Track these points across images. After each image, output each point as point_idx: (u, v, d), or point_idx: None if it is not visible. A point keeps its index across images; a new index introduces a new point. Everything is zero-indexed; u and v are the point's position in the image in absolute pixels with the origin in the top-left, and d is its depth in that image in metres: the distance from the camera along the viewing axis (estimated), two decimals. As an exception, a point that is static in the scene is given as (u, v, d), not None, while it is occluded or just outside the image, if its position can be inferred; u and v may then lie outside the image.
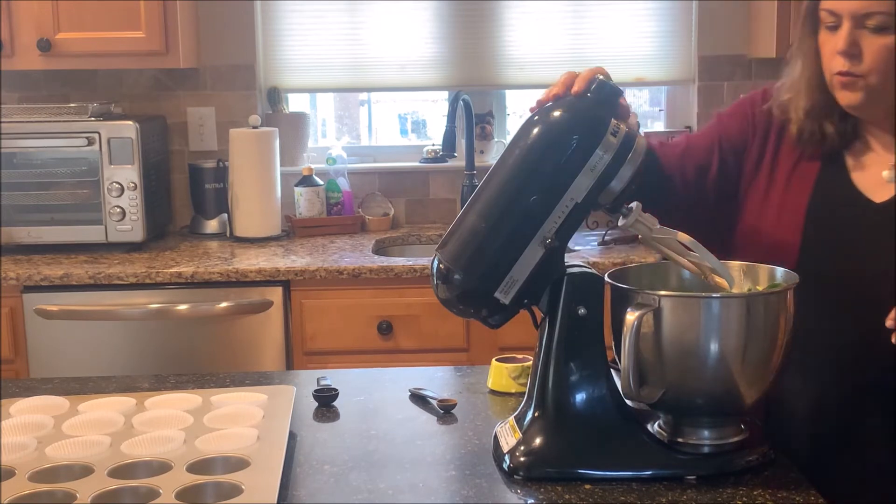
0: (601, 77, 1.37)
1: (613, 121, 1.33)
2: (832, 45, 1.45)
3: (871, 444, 1.46)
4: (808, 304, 1.36)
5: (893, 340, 1.30)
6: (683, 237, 1.36)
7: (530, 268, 1.32)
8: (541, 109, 1.37)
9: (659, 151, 1.60)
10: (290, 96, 3.51)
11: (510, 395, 1.68)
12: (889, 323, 1.30)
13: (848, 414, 1.48)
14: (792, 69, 1.56)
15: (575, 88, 1.36)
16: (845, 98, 1.46)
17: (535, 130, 1.35)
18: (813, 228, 1.51)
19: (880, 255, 1.44)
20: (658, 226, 1.36)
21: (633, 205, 1.35)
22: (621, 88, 1.38)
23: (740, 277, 1.44)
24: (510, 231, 1.32)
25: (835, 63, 1.45)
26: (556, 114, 1.35)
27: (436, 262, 1.37)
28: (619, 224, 1.36)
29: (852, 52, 1.42)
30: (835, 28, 1.44)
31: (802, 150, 1.55)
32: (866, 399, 1.46)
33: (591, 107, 1.34)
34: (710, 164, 1.60)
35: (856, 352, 1.46)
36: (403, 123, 3.84)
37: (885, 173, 1.47)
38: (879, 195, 1.48)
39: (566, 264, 1.36)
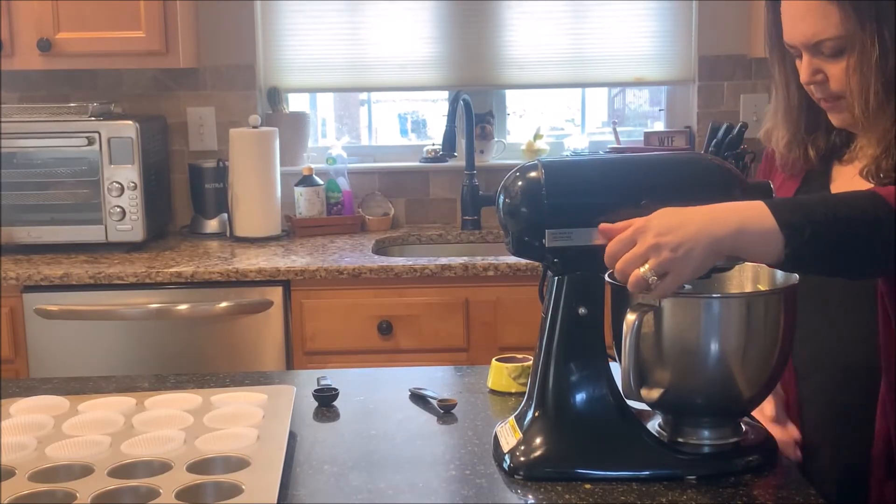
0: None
1: None
2: (802, 74, 1.44)
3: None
4: None
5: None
6: None
7: (586, 243, 1.31)
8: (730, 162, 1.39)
9: None
10: (290, 96, 3.51)
11: (510, 395, 1.68)
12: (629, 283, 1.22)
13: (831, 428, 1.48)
14: (772, 98, 1.56)
15: None
16: (836, 121, 1.44)
17: (712, 164, 1.35)
18: None
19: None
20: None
21: (687, 287, 1.35)
22: None
23: (742, 278, 1.44)
24: (602, 202, 1.32)
25: (808, 89, 1.45)
26: (731, 171, 1.35)
27: (535, 171, 1.34)
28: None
29: (816, 79, 1.41)
30: (799, 56, 1.43)
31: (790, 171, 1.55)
32: (847, 408, 1.46)
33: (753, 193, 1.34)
34: None
35: (822, 361, 1.46)
36: (403, 123, 3.84)
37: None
38: None
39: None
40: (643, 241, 1.19)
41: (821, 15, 1.36)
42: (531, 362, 1.51)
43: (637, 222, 1.20)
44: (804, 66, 1.42)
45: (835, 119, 1.44)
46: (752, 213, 1.20)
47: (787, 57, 1.48)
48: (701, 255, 1.18)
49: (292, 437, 1.48)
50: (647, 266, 1.18)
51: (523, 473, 1.33)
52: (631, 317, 1.27)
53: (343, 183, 3.36)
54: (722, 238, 1.18)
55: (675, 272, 1.18)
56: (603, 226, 1.26)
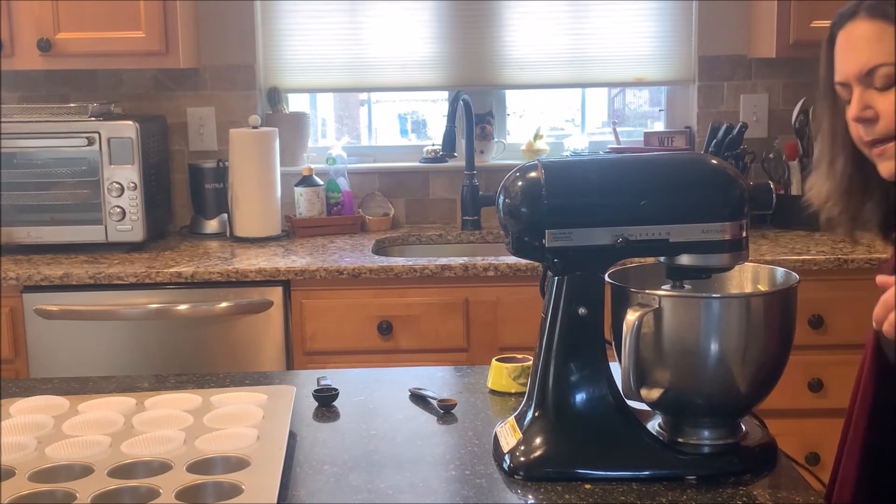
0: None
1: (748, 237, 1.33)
2: (851, 110, 1.37)
3: None
4: None
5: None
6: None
7: (587, 243, 1.31)
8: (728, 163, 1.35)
9: None
10: (290, 96, 3.51)
11: (510, 395, 1.68)
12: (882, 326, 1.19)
13: None
14: (816, 150, 1.48)
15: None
16: (886, 170, 1.35)
17: (712, 164, 1.34)
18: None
19: None
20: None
21: (687, 287, 1.36)
22: None
23: (741, 278, 1.44)
24: (603, 203, 1.32)
25: (856, 133, 1.37)
26: (731, 171, 1.34)
27: (535, 171, 1.33)
28: (662, 287, 1.36)
29: (865, 115, 1.34)
30: (849, 100, 1.37)
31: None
32: None
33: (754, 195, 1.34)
34: None
35: None
36: (403, 123, 3.84)
37: None
38: None
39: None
40: None
41: (876, 38, 1.32)
42: (531, 362, 1.51)
43: None
44: (854, 101, 1.35)
45: (885, 168, 1.36)
46: None
47: (839, 107, 1.41)
48: None
49: (292, 437, 1.48)
50: None
51: (523, 473, 1.33)
52: (631, 317, 1.27)
53: (343, 183, 3.36)
54: None
55: None
56: (881, 278, 1.20)
